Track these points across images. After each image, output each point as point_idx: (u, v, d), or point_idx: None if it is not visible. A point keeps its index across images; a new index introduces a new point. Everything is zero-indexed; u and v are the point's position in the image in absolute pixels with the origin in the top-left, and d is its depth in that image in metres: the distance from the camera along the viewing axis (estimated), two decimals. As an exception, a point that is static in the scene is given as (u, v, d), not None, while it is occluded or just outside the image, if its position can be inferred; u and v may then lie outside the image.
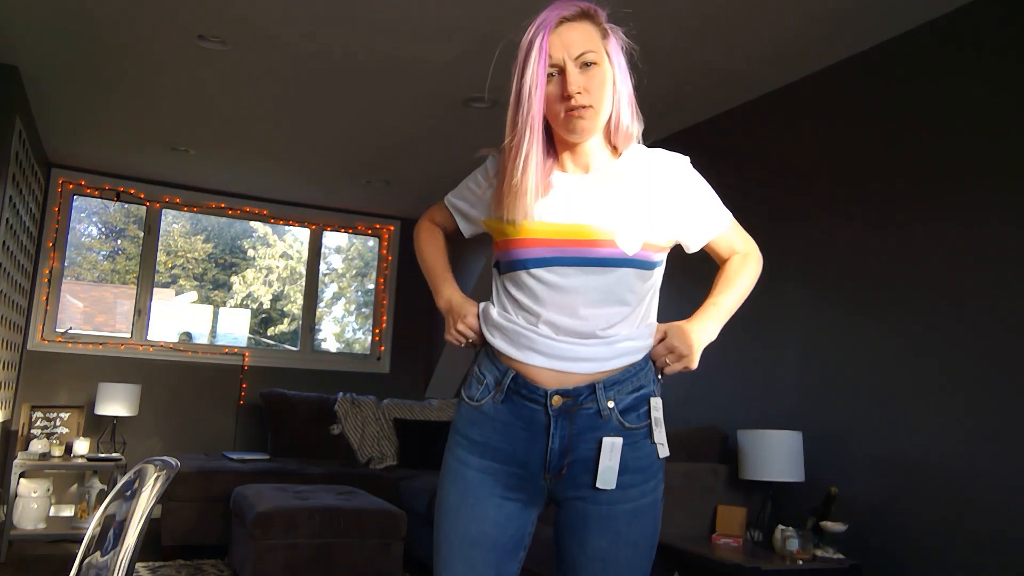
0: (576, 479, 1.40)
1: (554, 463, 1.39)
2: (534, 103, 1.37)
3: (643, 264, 1.41)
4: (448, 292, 1.56)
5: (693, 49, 3.31)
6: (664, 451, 1.44)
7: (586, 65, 1.37)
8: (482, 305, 1.52)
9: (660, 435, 1.43)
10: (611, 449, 1.38)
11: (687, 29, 3.14)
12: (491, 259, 1.57)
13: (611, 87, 1.42)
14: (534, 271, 1.40)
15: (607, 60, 1.41)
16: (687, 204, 1.48)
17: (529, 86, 1.37)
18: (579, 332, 1.39)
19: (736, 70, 3.51)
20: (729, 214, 1.57)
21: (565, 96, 1.37)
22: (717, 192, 1.55)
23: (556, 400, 1.38)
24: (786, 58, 3.37)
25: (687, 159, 1.51)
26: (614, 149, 1.49)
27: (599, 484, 1.38)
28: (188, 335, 6.55)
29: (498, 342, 1.44)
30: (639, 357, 1.44)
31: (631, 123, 1.46)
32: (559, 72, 1.38)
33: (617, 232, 1.38)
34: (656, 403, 1.44)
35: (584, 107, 1.37)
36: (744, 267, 1.56)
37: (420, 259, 1.66)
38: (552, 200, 1.43)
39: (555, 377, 1.39)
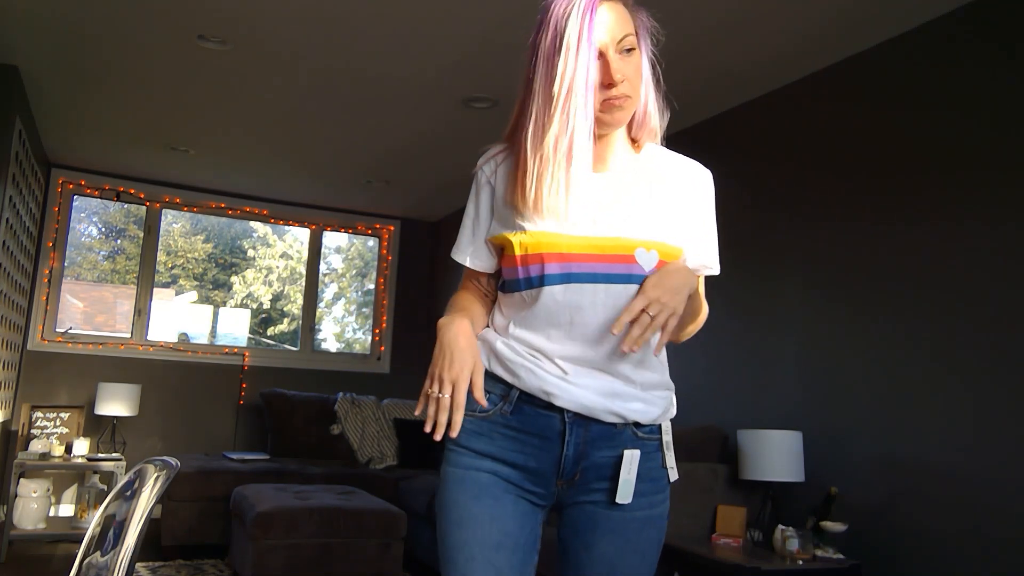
0: (589, 484, 1.36)
1: (568, 469, 1.34)
2: (589, 93, 1.24)
3: None
4: (453, 320, 1.39)
5: (695, 49, 3.30)
6: (674, 475, 1.40)
7: (627, 51, 1.27)
8: (482, 334, 1.42)
9: (670, 459, 1.39)
10: (631, 462, 1.33)
11: (689, 29, 3.14)
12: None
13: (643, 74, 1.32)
14: (548, 288, 1.30)
15: (639, 45, 1.31)
16: (694, 220, 1.39)
17: (582, 73, 1.23)
18: (592, 362, 1.32)
19: (737, 70, 3.51)
20: (718, 268, 1.43)
21: (606, 84, 1.25)
22: (719, 193, 1.48)
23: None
24: (788, 57, 3.37)
25: (710, 175, 1.43)
26: (633, 142, 1.40)
27: (618, 499, 1.33)
28: (188, 335, 6.55)
29: (503, 374, 1.36)
30: (655, 395, 1.37)
31: (656, 113, 1.38)
32: (598, 56, 1.26)
33: (636, 246, 1.31)
34: (666, 427, 1.40)
35: (626, 96, 1.27)
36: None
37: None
38: (570, 207, 1.31)
39: (568, 401, 1.33)
